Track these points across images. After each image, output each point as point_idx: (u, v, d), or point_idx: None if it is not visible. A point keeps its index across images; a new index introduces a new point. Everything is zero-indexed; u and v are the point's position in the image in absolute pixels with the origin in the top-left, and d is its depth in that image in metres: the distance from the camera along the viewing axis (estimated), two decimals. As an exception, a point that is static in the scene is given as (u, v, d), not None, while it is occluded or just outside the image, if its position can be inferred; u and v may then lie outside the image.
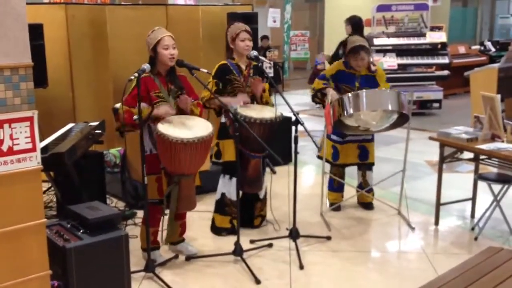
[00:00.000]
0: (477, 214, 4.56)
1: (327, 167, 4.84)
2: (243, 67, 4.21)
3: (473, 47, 13.14)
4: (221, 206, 4.34)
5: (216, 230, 4.38)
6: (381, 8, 9.89)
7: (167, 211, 3.77)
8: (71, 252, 2.95)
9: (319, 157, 4.95)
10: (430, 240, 4.35)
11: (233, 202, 4.19)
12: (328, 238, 4.28)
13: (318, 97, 4.69)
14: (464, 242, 4.25)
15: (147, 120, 3.53)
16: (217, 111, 4.18)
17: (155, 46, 3.57)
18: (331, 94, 4.47)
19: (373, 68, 4.73)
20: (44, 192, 4.84)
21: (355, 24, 6.85)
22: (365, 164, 4.87)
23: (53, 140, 4.17)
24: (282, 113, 4.14)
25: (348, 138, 4.75)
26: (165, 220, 3.83)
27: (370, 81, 4.69)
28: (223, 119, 4.22)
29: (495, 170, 4.68)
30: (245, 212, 4.38)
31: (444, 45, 9.66)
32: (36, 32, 4.59)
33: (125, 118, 3.46)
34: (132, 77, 3.34)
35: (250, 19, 5.95)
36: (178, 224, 3.91)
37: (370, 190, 4.95)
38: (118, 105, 3.61)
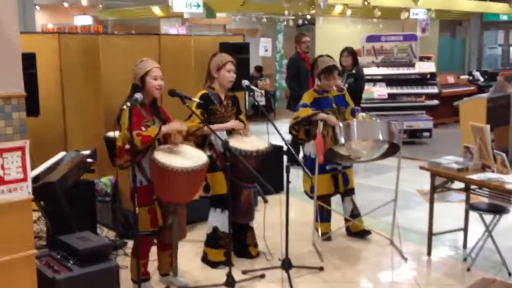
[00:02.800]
0: (470, 244, 4.56)
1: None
2: (222, 97, 4.22)
3: (462, 77, 13.31)
4: (214, 240, 4.28)
5: (211, 264, 4.30)
6: (370, 39, 10.02)
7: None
8: (60, 283, 2.92)
9: (306, 192, 4.93)
10: (423, 271, 4.34)
11: (226, 235, 4.13)
12: (321, 268, 4.25)
13: (296, 129, 4.61)
14: (457, 273, 4.24)
15: (153, 141, 3.49)
16: (199, 143, 4.12)
17: (144, 76, 3.59)
18: (329, 118, 4.47)
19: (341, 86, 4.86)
20: (34, 222, 4.78)
21: (354, 54, 6.92)
22: (350, 190, 4.87)
23: (44, 169, 4.14)
24: (272, 142, 4.16)
25: (328, 168, 4.72)
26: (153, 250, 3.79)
27: (342, 100, 4.79)
28: (208, 153, 4.11)
29: (486, 200, 4.70)
30: (237, 242, 4.35)
31: (433, 75, 9.78)
32: (29, 61, 4.59)
33: (142, 141, 3.39)
34: (125, 107, 3.35)
35: (242, 49, 6.00)
36: (168, 254, 3.87)
37: (360, 215, 4.92)
38: (111, 133, 3.60)
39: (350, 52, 6.94)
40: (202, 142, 4.12)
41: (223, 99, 4.21)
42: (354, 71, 6.88)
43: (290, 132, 4.68)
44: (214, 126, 3.96)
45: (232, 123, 4.16)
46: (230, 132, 4.18)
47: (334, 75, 4.65)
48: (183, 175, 3.38)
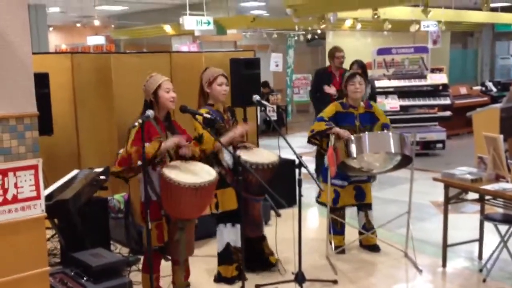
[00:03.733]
0: (485, 255, 4.50)
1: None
2: (222, 111, 4.19)
3: (475, 88, 13.23)
4: (227, 256, 4.25)
5: (227, 281, 4.25)
6: (381, 52, 10.02)
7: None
8: (74, 300, 2.92)
9: (319, 202, 4.92)
10: (438, 283, 4.29)
11: (239, 249, 4.12)
12: (335, 282, 4.22)
13: (317, 139, 4.67)
14: (472, 284, 4.18)
15: (155, 158, 3.51)
16: (210, 162, 4.03)
17: (156, 90, 3.62)
18: (340, 132, 4.47)
19: (370, 102, 4.81)
20: (48, 239, 4.82)
21: (363, 67, 6.88)
22: (365, 205, 4.84)
23: (57, 187, 4.18)
24: (280, 155, 4.16)
25: (344, 182, 4.73)
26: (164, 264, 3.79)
27: (370, 118, 4.74)
28: (216, 169, 4.11)
29: (500, 210, 4.65)
30: (254, 256, 4.31)
31: (445, 86, 9.74)
32: (42, 80, 4.66)
33: (134, 157, 3.42)
34: (136, 124, 3.38)
35: (253, 65, 6.03)
36: (182, 270, 3.86)
37: (373, 230, 4.90)
38: (121, 150, 3.64)
39: (360, 65, 6.90)
40: (211, 162, 4.08)
41: (223, 113, 4.19)
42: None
43: (310, 142, 4.70)
44: (223, 139, 3.93)
45: (239, 129, 4.15)
46: (235, 147, 4.16)
47: (358, 79, 4.65)
48: (190, 191, 3.38)
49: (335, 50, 7.07)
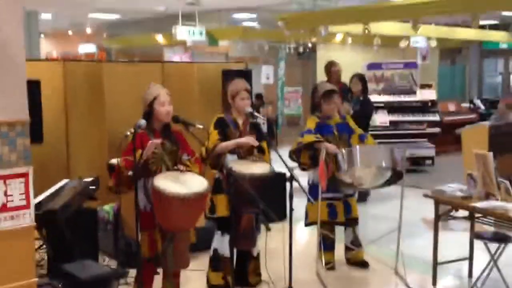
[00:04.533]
0: (475, 273, 4.50)
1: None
2: (240, 122, 4.26)
3: (463, 105, 13.36)
4: (215, 262, 4.28)
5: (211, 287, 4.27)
6: (371, 66, 10.10)
7: (159, 270, 3.71)
8: (61, 313, 2.87)
9: (308, 224, 4.85)
10: (428, 300, 4.28)
11: (226, 258, 4.13)
12: (325, 298, 4.19)
13: (296, 155, 4.62)
14: (462, 303, 4.18)
15: (139, 165, 3.46)
16: (213, 163, 4.14)
17: (152, 102, 3.61)
18: (329, 147, 4.46)
19: (342, 112, 4.84)
20: (36, 250, 4.74)
21: (364, 82, 6.84)
22: (352, 220, 4.82)
23: (46, 197, 4.13)
24: (274, 168, 4.15)
25: (325, 196, 4.64)
26: (158, 279, 3.74)
27: (346, 127, 4.76)
28: (217, 175, 4.22)
29: (491, 228, 4.66)
30: (237, 269, 4.30)
31: (434, 102, 9.82)
32: (34, 88, 4.62)
33: (124, 166, 3.41)
34: (128, 133, 3.35)
35: (244, 76, 6.03)
36: (174, 283, 3.82)
37: (361, 246, 4.88)
38: (113, 160, 3.60)
39: (359, 78, 6.86)
40: (217, 162, 4.12)
41: (241, 125, 4.25)
42: (361, 98, 6.83)
43: (290, 157, 4.65)
44: (230, 142, 4.05)
45: (245, 139, 4.16)
46: (242, 156, 4.18)
47: (334, 99, 4.65)
48: (177, 201, 3.34)
49: (331, 65, 7.03)
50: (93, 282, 3.11)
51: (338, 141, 4.64)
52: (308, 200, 4.27)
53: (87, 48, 17.77)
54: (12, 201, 2.60)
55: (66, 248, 3.98)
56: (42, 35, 17.09)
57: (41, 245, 4.73)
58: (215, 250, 4.27)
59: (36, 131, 4.58)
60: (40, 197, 4.08)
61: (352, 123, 4.84)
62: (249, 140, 4.17)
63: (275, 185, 4.24)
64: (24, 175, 2.66)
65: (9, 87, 2.61)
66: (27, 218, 2.65)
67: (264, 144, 4.36)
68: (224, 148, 4.07)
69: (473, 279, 4.45)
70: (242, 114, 4.26)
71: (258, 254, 4.42)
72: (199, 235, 3.99)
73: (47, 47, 19.15)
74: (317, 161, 4.53)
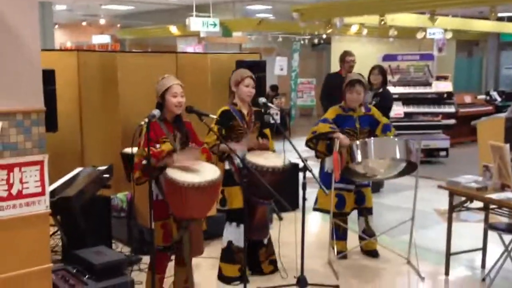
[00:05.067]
0: (488, 265, 4.48)
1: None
2: (245, 112, 4.24)
3: (479, 97, 13.21)
4: (229, 254, 4.27)
5: (226, 279, 4.27)
6: (387, 58, 10.01)
7: (172, 257, 3.74)
8: (75, 298, 2.90)
9: (316, 209, 4.86)
10: (440, 291, 4.27)
11: (241, 249, 4.14)
12: (337, 287, 4.20)
13: (313, 142, 4.63)
14: (475, 294, 4.17)
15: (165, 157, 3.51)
16: (219, 156, 4.15)
17: (164, 93, 3.62)
18: (342, 138, 4.45)
19: (368, 105, 4.82)
20: (50, 236, 4.80)
21: (383, 72, 6.78)
22: (366, 209, 4.82)
23: (61, 184, 4.18)
24: (290, 160, 4.14)
25: (351, 186, 4.68)
26: (170, 265, 3.78)
27: (369, 120, 4.71)
28: (227, 166, 4.21)
29: (505, 219, 4.62)
30: (250, 258, 4.32)
31: (450, 94, 9.72)
32: (48, 77, 4.66)
33: (154, 156, 3.40)
34: (142, 123, 3.37)
35: (258, 67, 6.02)
36: (185, 271, 3.85)
37: (374, 235, 4.88)
38: (127, 149, 3.62)
39: (380, 71, 6.78)
40: (222, 155, 4.14)
41: (246, 115, 4.23)
42: (381, 90, 6.74)
43: (307, 145, 4.65)
44: (231, 145, 3.96)
45: (253, 144, 4.16)
46: (251, 147, 4.17)
47: (356, 88, 4.61)
48: (191, 190, 3.36)
49: (346, 54, 7.02)
50: (106, 268, 3.14)
51: (359, 134, 4.61)
52: (321, 188, 4.25)
53: (101, 39, 17.85)
54: (27, 188, 2.64)
55: (80, 234, 4.03)
56: (56, 26, 17.21)
57: (55, 231, 4.80)
58: (230, 242, 4.25)
59: (50, 120, 4.63)
60: (55, 185, 4.13)
61: (377, 115, 4.78)
62: (245, 145, 4.14)
63: (287, 175, 4.23)
64: (39, 162, 2.69)
65: (24, 77, 2.64)
66: (42, 205, 2.69)
67: (268, 131, 4.36)
68: (227, 149, 3.99)
69: (486, 270, 4.43)
70: (245, 103, 4.23)
71: (269, 240, 4.43)
72: (211, 224, 4.01)
73: (61, 38, 19.29)
74: (332, 151, 4.53)
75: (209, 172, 3.55)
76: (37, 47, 2.70)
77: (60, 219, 4.28)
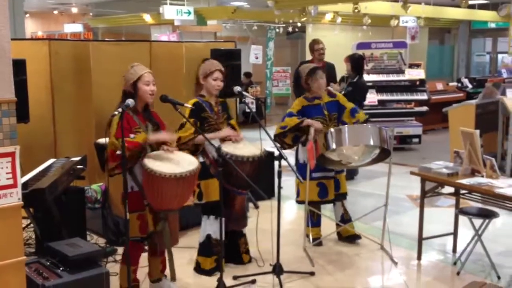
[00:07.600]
0: (459, 249, 4.59)
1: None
2: (213, 103, 4.21)
3: (451, 84, 13.42)
4: (207, 248, 4.24)
5: (206, 272, 4.24)
6: (361, 46, 10.07)
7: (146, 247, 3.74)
8: (50, 290, 2.88)
9: (299, 202, 4.90)
10: (413, 275, 4.36)
11: (219, 241, 4.12)
12: (312, 273, 4.25)
13: (281, 138, 4.61)
14: (446, 277, 4.26)
15: (144, 148, 3.49)
16: (192, 150, 4.08)
17: (136, 82, 3.58)
18: (314, 123, 4.48)
19: (332, 91, 4.88)
20: (23, 228, 4.75)
21: (355, 62, 6.81)
22: (341, 194, 4.87)
23: (33, 176, 4.12)
24: (266, 148, 4.16)
25: (316, 176, 4.69)
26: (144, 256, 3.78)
27: (336, 105, 4.77)
28: (201, 159, 4.17)
29: (475, 204, 4.73)
30: (230, 249, 4.33)
31: (422, 81, 9.85)
32: (19, 67, 4.58)
33: (129, 148, 3.36)
34: (116, 113, 3.33)
35: (233, 56, 6.02)
36: (159, 261, 3.85)
37: (351, 221, 4.94)
38: (101, 140, 3.59)
39: (350, 58, 6.86)
40: (195, 149, 4.09)
41: (214, 106, 4.21)
42: (355, 80, 6.77)
43: (274, 141, 4.58)
44: (207, 135, 3.92)
45: (226, 132, 4.15)
46: (223, 139, 4.17)
47: (319, 74, 4.67)
48: (171, 181, 3.36)
49: (314, 42, 7.05)
50: (81, 260, 3.12)
51: (329, 121, 4.66)
52: (297, 178, 4.28)
53: (73, 28, 17.54)
54: (-2, 180, 2.59)
55: (54, 226, 3.99)
56: (27, 15, 16.85)
57: (28, 224, 4.74)
58: (208, 236, 4.21)
59: (22, 111, 4.56)
60: (28, 176, 4.08)
61: (342, 100, 4.83)
62: (229, 133, 4.14)
63: (264, 164, 4.25)
64: (11, 154, 2.65)
65: (-7, 66, 2.59)
66: (14, 197, 2.65)
67: (233, 122, 4.36)
68: (203, 140, 3.98)
69: (457, 254, 4.54)
70: (213, 95, 4.19)
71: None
72: (186, 214, 4.00)
73: (32, 27, 18.91)
74: (298, 141, 4.57)
75: (187, 162, 3.55)
76: (7, 36, 2.65)
77: (33, 211, 4.23)
